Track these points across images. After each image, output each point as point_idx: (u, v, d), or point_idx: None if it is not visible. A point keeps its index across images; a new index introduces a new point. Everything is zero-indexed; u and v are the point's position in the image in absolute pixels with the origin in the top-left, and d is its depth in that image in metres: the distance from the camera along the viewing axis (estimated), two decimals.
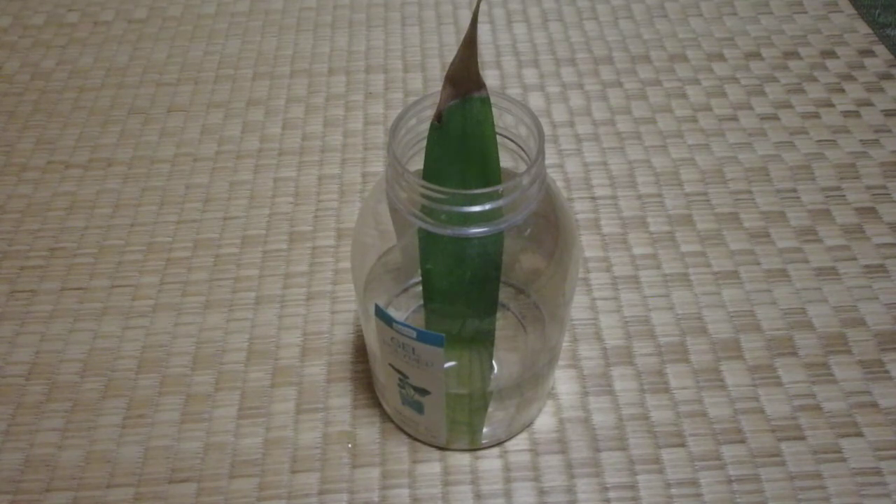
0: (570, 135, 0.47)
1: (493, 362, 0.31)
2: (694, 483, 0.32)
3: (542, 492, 0.32)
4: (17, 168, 0.47)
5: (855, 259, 0.40)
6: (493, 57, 0.53)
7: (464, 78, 0.22)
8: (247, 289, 0.39)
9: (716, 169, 0.45)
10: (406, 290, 0.31)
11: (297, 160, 0.46)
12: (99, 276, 0.40)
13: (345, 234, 0.42)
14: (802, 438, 0.33)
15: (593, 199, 0.44)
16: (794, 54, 0.53)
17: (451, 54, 0.54)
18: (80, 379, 0.36)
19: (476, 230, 0.22)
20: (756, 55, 0.53)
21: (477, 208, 0.22)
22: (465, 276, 0.25)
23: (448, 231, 0.23)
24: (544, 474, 0.32)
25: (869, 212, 0.43)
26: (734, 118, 0.48)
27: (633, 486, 0.32)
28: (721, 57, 0.53)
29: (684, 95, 0.50)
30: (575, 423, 0.34)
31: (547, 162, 0.46)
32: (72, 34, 0.56)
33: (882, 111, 0.48)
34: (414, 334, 0.24)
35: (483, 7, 0.58)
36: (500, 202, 0.22)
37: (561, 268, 0.28)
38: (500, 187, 0.22)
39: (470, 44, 0.21)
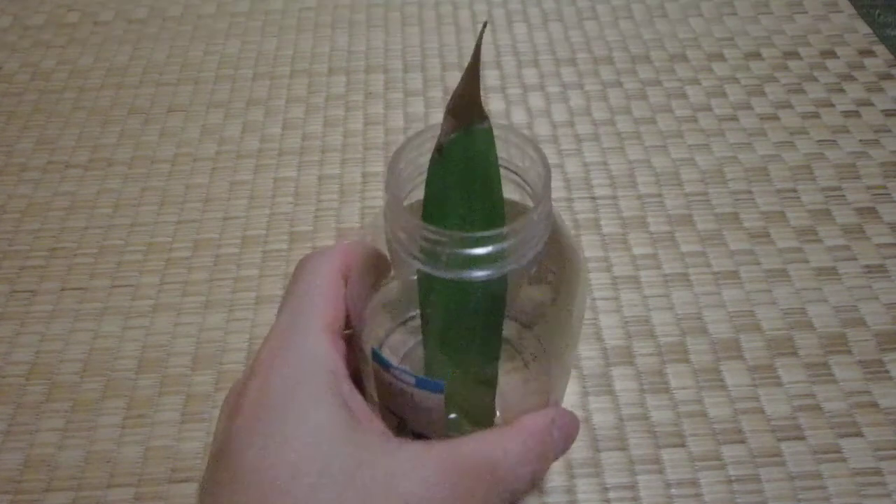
0: (570, 135, 0.47)
1: (496, 408, 0.29)
2: (694, 483, 0.32)
3: (542, 492, 0.32)
4: (17, 168, 0.47)
5: (855, 259, 0.40)
6: (494, 57, 0.53)
7: (466, 108, 0.21)
8: (247, 289, 0.39)
9: (716, 169, 0.45)
10: (404, 322, 0.30)
11: (297, 160, 0.46)
12: (99, 276, 0.40)
13: (345, 234, 0.42)
14: (802, 438, 0.33)
15: (593, 199, 0.44)
16: (794, 54, 0.53)
17: (451, 54, 0.54)
18: (80, 379, 0.36)
19: (479, 273, 0.21)
20: (756, 55, 0.53)
21: (480, 251, 0.21)
22: (467, 320, 0.24)
23: (449, 274, 0.21)
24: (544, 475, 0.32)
25: (869, 212, 0.43)
26: (734, 118, 0.48)
27: (633, 486, 0.32)
28: (721, 57, 0.53)
29: (684, 95, 0.50)
30: None
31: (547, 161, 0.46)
32: (72, 34, 0.56)
33: (882, 111, 0.48)
34: (413, 380, 0.23)
35: (483, 7, 0.58)
36: (504, 244, 0.21)
37: (565, 310, 0.26)
38: (504, 229, 0.21)
39: (473, 73, 0.20)
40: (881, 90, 0.50)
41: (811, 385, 0.35)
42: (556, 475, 0.32)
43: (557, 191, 0.44)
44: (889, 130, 0.47)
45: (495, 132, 0.23)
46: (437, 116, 0.49)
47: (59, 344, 0.37)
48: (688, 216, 0.43)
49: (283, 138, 0.48)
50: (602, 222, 0.42)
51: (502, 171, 0.23)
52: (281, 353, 0.22)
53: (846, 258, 0.40)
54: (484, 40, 0.55)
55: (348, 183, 0.45)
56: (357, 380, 0.25)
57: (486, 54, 0.54)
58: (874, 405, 0.34)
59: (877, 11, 0.56)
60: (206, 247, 0.42)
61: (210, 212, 0.43)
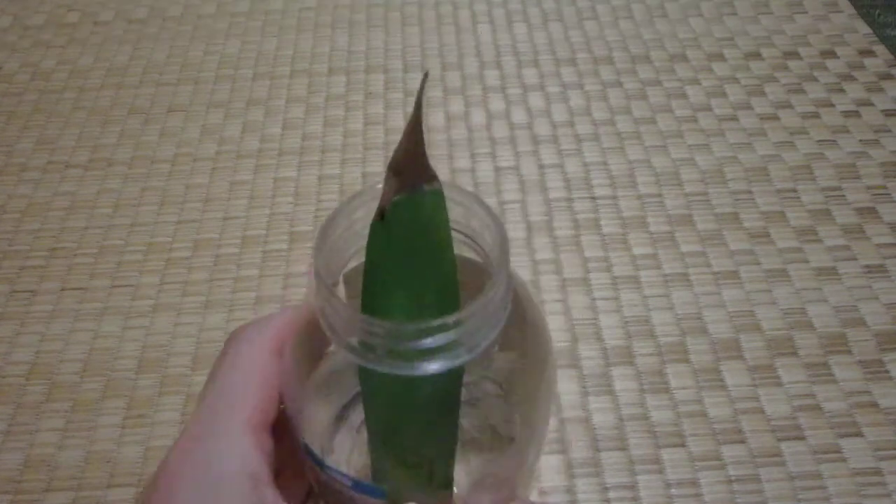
0: (570, 135, 0.47)
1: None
2: (694, 483, 0.32)
3: (542, 492, 0.32)
4: (17, 168, 0.47)
5: (855, 259, 0.40)
6: (494, 57, 0.53)
7: (411, 166, 0.19)
8: (247, 289, 0.39)
9: (716, 169, 0.45)
10: (349, 405, 0.25)
11: (297, 160, 0.46)
12: (99, 276, 0.40)
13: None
14: (802, 438, 0.33)
15: (593, 199, 0.44)
16: (794, 54, 0.53)
17: (451, 54, 0.54)
18: (80, 379, 0.36)
19: (428, 367, 0.18)
20: (756, 55, 0.53)
21: (428, 343, 0.18)
22: (415, 418, 0.21)
23: (392, 370, 0.18)
24: (544, 474, 0.32)
25: (869, 212, 0.43)
26: (734, 118, 0.48)
27: (633, 486, 0.32)
28: (721, 57, 0.53)
29: (684, 95, 0.50)
30: (575, 423, 0.34)
31: (547, 162, 0.46)
32: (72, 34, 0.56)
33: (882, 111, 0.48)
34: (349, 483, 0.20)
35: (483, 7, 0.58)
36: (457, 333, 0.18)
37: (526, 404, 0.23)
38: (456, 316, 0.18)
39: (416, 126, 0.18)
40: (881, 90, 0.50)
41: (811, 385, 0.35)
42: (556, 475, 0.32)
43: (557, 191, 0.44)
44: (889, 130, 0.47)
45: (446, 193, 0.20)
46: (438, 117, 0.49)
47: (59, 344, 0.37)
48: (688, 216, 0.43)
49: (283, 138, 0.48)
50: (602, 222, 0.42)
51: (455, 237, 0.20)
52: (192, 457, 0.19)
53: (846, 258, 0.40)
54: (484, 40, 0.55)
55: (348, 183, 0.45)
56: (298, 471, 0.22)
57: (486, 54, 0.54)
58: (874, 405, 0.34)
59: (877, 11, 0.56)
60: (206, 247, 0.42)
61: (210, 212, 0.43)
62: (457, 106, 0.50)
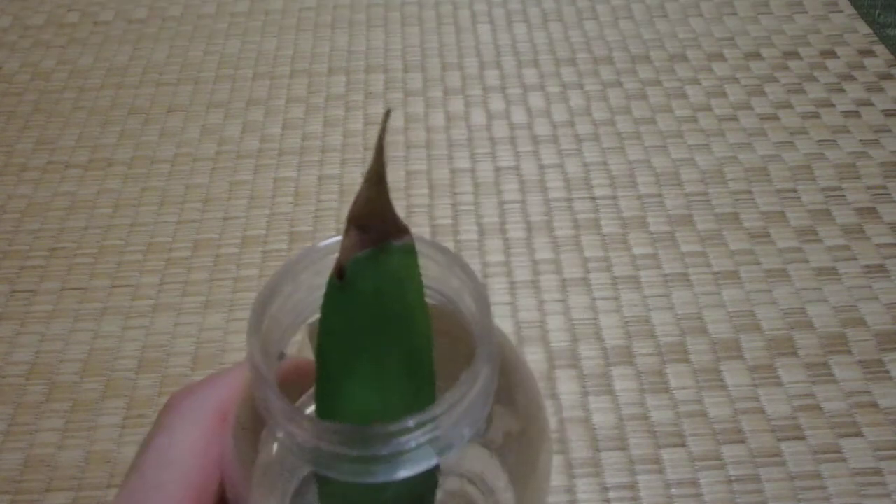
0: (570, 135, 0.47)
1: None
2: (694, 483, 0.32)
3: None
4: (17, 168, 0.47)
5: (855, 259, 0.40)
6: (494, 57, 0.53)
7: (376, 217, 0.16)
8: (247, 289, 0.39)
9: (716, 169, 0.45)
10: (305, 485, 0.21)
11: (297, 160, 0.46)
12: (99, 276, 0.40)
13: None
14: (802, 438, 0.33)
15: (593, 199, 0.44)
16: (794, 54, 0.53)
17: (451, 54, 0.54)
18: (80, 379, 0.36)
19: (396, 473, 0.15)
20: (756, 55, 0.53)
21: (396, 446, 0.14)
22: None
23: (353, 478, 0.15)
24: None
25: (869, 212, 0.43)
26: (734, 118, 0.48)
27: (633, 486, 0.32)
28: (721, 57, 0.53)
29: (684, 95, 0.50)
30: (575, 423, 0.34)
31: (547, 162, 0.46)
32: (72, 34, 0.56)
33: (882, 111, 0.48)
34: None
35: (483, 7, 0.58)
36: (431, 432, 0.15)
37: (523, 472, 0.19)
38: (431, 412, 0.14)
39: (379, 174, 0.15)
40: (881, 90, 0.50)
41: (811, 385, 0.35)
42: (556, 475, 0.32)
43: (557, 191, 0.44)
44: (889, 130, 0.47)
45: (418, 248, 0.16)
46: (438, 117, 0.49)
47: (59, 344, 0.37)
48: (688, 216, 0.43)
49: (283, 138, 0.48)
50: (602, 222, 0.42)
51: (430, 300, 0.17)
52: None
53: (846, 258, 0.40)
54: (484, 40, 0.55)
55: (348, 183, 0.45)
56: None
57: (486, 54, 0.54)
58: (874, 405, 0.34)
59: (877, 11, 0.56)
60: (206, 247, 0.42)
61: (210, 212, 0.43)
62: (457, 106, 0.50)
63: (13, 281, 0.40)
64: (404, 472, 0.15)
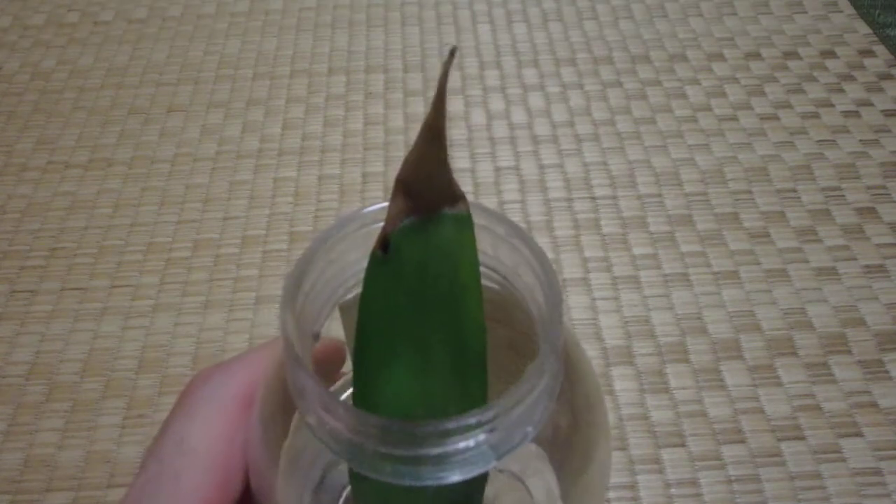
0: (570, 135, 0.47)
1: None
2: (694, 483, 0.32)
3: None
4: (17, 168, 0.47)
5: (855, 259, 0.40)
6: (494, 57, 0.53)
7: (427, 182, 0.14)
8: (247, 289, 0.39)
9: (716, 169, 0.45)
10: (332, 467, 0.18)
11: (297, 160, 0.46)
12: (99, 276, 0.40)
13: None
14: (802, 438, 0.33)
15: (593, 199, 0.44)
16: (793, 54, 0.53)
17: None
18: (80, 379, 0.36)
19: (442, 477, 0.13)
20: (756, 55, 0.53)
21: (443, 449, 0.13)
22: None
23: (393, 479, 0.13)
24: None
25: (869, 212, 0.43)
26: (734, 118, 0.48)
27: (632, 486, 0.32)
28: (721, 57, 0.53)
29: (684, 95, 0.50)
30: None
31: (547, 162, 0.46)
32: (72, 34, 0.56)
33: (882, 111, 0.48)
34: None
35: (483, 7, 0.58)
36: (484, 435, 0.13)
37: (580, 480, 0.17)
38: (486, 412, 0.12)
39: (435, 131, 0.13)
40: (881, 90, 0.50)
41: (811, 385, 0.35)
42: None
43: (557, 191, 0.44)
44: (889, 130, 0.47)
45: (476, 220, 0.14)
46: None
47: (59, 344, 0.37)
48: (688, 216, 0.43)
49: (283, 138, 0.48)
50: (602, 222, 0.42)
51: (484, 278, 0.15)
52: None
53: (846, 258, 0.40)
54: (484, 40, 0.55)
55: (348, 183, 0.45)
56: None
57: (486, 54, 0.54)
58: (874, 405, 0.34)
59: (877, 11, 0.56)
60: (206, 247, 0.42)
61: (210, 212, 0.43)
62: (457, 106, 0.50)
63: (13, 281, 0.40)
64: (456, 476, 0.13)
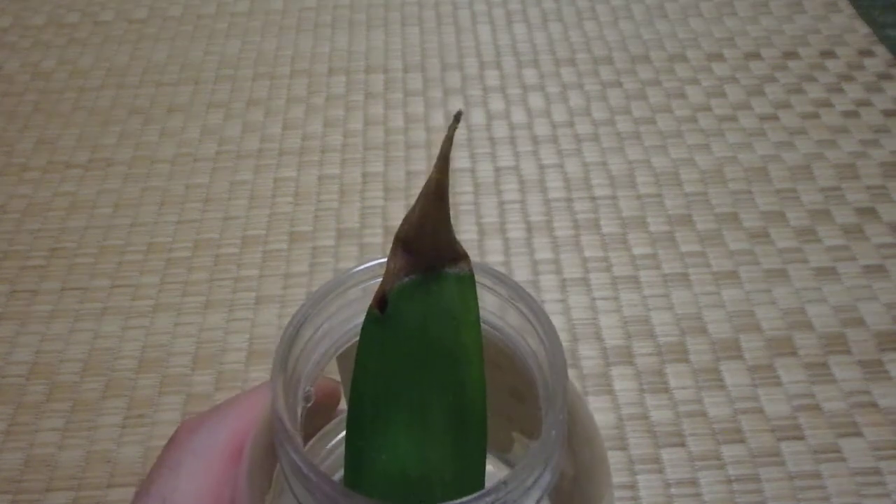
0: (569, 135, 0.47)
1: None
2: (694, 483, 0.32)
3: None
4: (17, 168, 0.47)
5: (855, 259, 0.40)
6: (494, 57, 0.53)
7: (428, 240, 0.13)
8: (247, 289, 0.39)
9: (716, 169, 0.45)
10: None
11: (297, 160, 0.46)
12: (99, 276, 0.40)
13: (345, 234, 0.42)
14: (802, 438, 0.33)
15: (593, 199, 0.44)
16: (793, 54, 0.53)
17: (451, 54, 0.54)
18: (80, 379, 0.36)
19: None
20: (756, 55, 0.53)
21: None
22: None
23: None
24: None
25: (869, 212, 0.43)
26: (734, 118, 0.48)
27: (632, 486, 0.32)
28: (721, 57, 0.53)
29: (684, 95, 0.50)
30: None
31: (547, 162, 0.46)
32: (72, 34, 0.56)
33: (882, 111, 0.48)
34: None
35: (483, 7, 0.58)
36: None
37: None
38: (495, 495, 0.12)
39: (439, 190, 0.13)
40: (881, 90, 0.50)
41: (811, 385, 0.35)
42: None
43: (557, 191, 0.44)
44: (889, 130, 0.47)
45: (479, 280, 0.14)
46: (438, 117, 0.49)
47: (59, 344, 0.38)
48: (688, 216, 0.43)
49: (283, 138, 0.48)
50: (602, 222, 0.42)
51: (485, 337, 0.14)
52: None
53: (846, 258, 0.40)
54: (484, 40, 0.55)
55: (348, 183, 0.45)
56: None
57: (486, 54, 0.54)
58: (874, 405, 0.34)
59: (877, 11, 0.56)
60: (206, 247, 0.42)
61: (210, 212, 0.43)
62: (457, 106, 0.50)
63: (13, 281, 0.40)
64: None
